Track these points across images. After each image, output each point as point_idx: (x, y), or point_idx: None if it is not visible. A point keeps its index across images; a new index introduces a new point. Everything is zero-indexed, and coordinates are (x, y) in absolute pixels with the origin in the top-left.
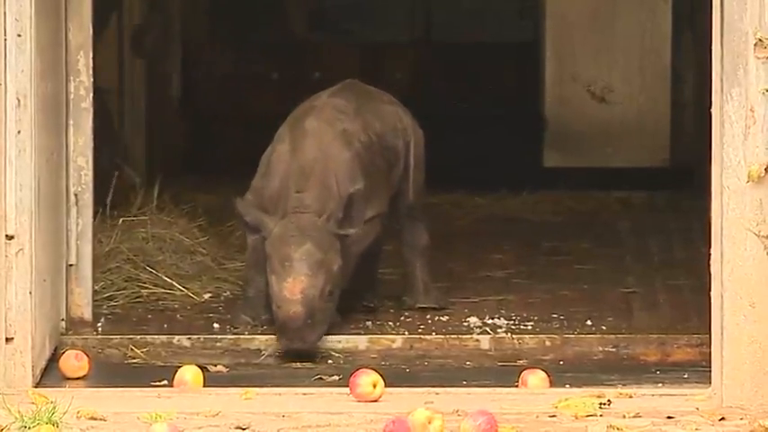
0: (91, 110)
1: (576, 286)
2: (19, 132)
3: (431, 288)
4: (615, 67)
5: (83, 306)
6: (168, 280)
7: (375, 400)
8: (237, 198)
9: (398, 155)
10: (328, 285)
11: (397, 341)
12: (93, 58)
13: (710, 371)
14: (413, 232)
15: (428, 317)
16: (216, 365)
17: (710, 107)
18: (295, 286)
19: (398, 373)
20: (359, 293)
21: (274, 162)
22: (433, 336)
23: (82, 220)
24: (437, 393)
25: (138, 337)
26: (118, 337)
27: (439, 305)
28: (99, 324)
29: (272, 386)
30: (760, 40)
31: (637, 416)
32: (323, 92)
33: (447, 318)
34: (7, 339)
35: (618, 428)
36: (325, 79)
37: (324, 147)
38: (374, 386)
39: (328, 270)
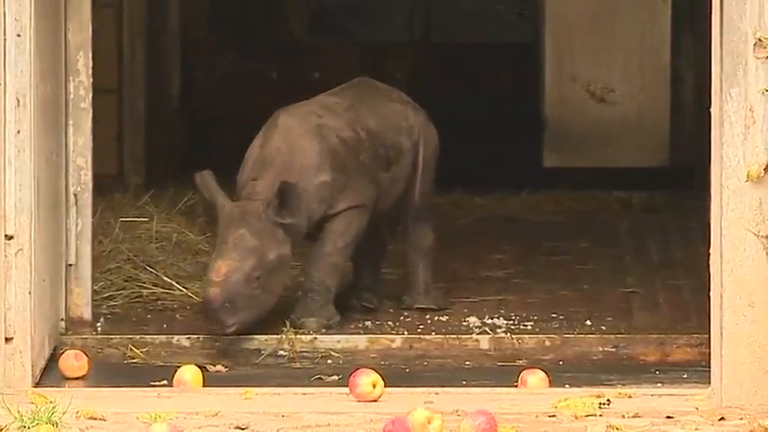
0: (90, 110)
1: (576, 286)
2: (18, 132)
3: (431, 289)
4: (615, 67)
5: (82, 306)
6: (168, 280)
7: (375, 400)
8: (199, 173)
9: (401, 153)
10: (257, 272)
11: (397, 341)
12: (93, 58)
13: (710, 371)
14: (417, 232)
15: (427, 317)
16: (215, 365)
17: (710, 107)
18: (220, 268)
19: (398, 373)
20: (359, 293)
21: (247, 154)
22: (433, 336)
23: (81, 220)
24: (437, 393)
25: (138, 336)
26: (117, 336)
27: (438, 306)
28: (98, 324)
29: (271, 386)
30: (759, 39)
31: (636, 416)
32: (332, 89)
33: (446, 318)
34: (7, 339)
35: (617, 428)
36: (323, 80)
37: (290, 140)
38: (374, 386)
39: (260, 257)
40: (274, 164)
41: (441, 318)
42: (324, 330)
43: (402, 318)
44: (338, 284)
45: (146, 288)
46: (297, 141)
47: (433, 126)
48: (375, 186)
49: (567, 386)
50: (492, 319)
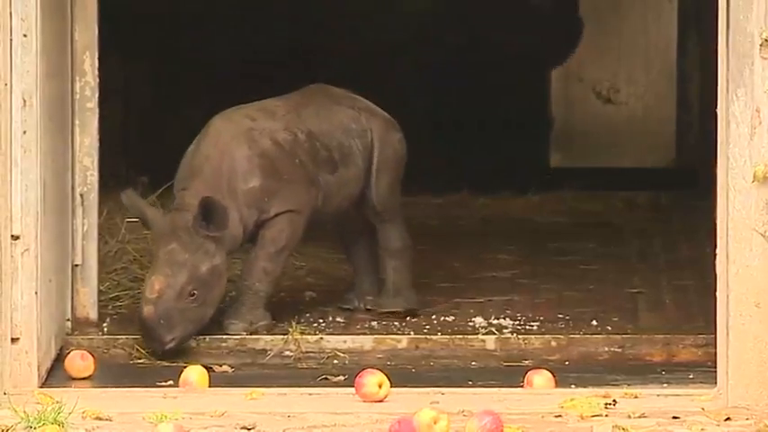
0: (97, 110)
1: (582, 286)
2: (25, 133)
3: (402, 291)
4: (621, 67)
5: (88, 306)
6: None
7: (380, 401)
8: (123, 191)
9: (350, 155)
10: (190, 286)
11: (403, 341)
12: (99, 58)
13: (716, 371)
14: (384, 235)
15: (433, 317)
16: (221, 365)
17: (716, 107)
18: (153, 285)
19: (404, 374)
20: (361, 297)
21: (182, 162)
22: (439, 336)
23: (87, 221)
24: (442, 393)
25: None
26: (123, 337)
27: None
28: (104, 324)
29: (277, 386)
30: (766, 40)
31: (642, 416)
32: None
33: (452, 318)
34: (13, 340)
35: (623, 429)
36: (325, 80)
37: (220, 145)
38: (380, 386)
39: (192, 271)
40: (202, 172)
41: (447, 318)
42: (245, 333)
43: (408, 318)
44: (270, 289)
45: None
46: (226, 147)
47: (395, 130)
48: (315, 189)
49: (573, 386)
50: (498, 319)
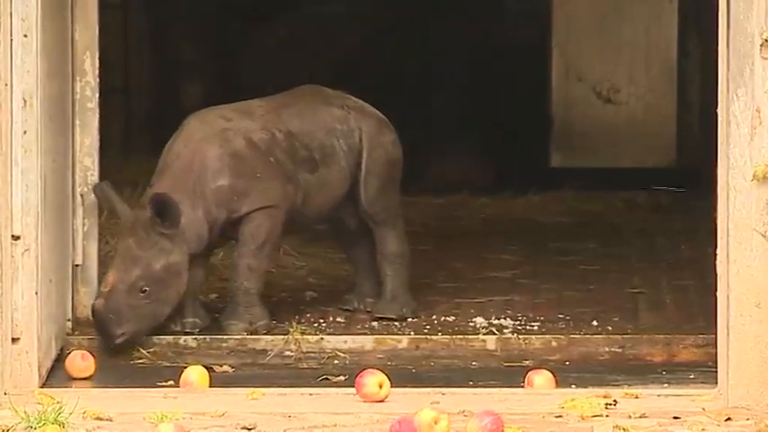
0: (97, 110)
1: (582, 287)
2: (25, 133)
3: (398, 297)
4: (621, 67)
5: (89, 306)
6: None
7: (381, 401)
8: (97, 183)
9: (332, 155)
10: (141, 282)
11: (403, 341)
12: (100, 58)
13: (717, 371)
14: (381, 239)
15: (434, 317)
16: (222, 366)
17: (717, 107)
18: (107, 279)
19: (404, 374)
20: (361, 298)
21: (160, 160)
22: (439, 336)
23: (88, 221)
24: (443, 394)
25: (144, 337)
26: None
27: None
28: None
29: (278, 386)
30: (766, 40)
31: (643, 416)
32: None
33: (453, 318)
34: (13, 339)
35: (624, 429)
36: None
37: (192, 144)
38: (380, 386)
39: (144, 268)
40: (171, 169)
41: (447, 318)
42: (246, 333)
43: (408, 318)
44: (259, 284)
45: None
46: (198, 146)
47: (388, 130)
48: (292, 186)
49: (573, 387)
50: (498, 319)
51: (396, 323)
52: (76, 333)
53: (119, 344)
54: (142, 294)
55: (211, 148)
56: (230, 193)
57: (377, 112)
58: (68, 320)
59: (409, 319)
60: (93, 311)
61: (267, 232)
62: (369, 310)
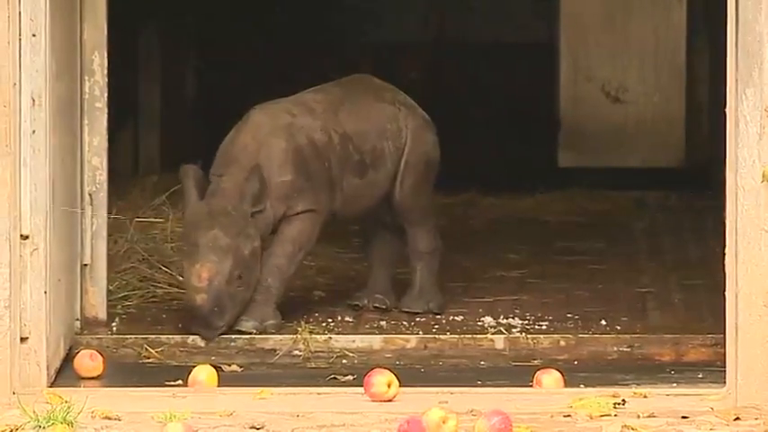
0: (105, 110)
1: (591, 286)
2: (34, 132)
3: (427, 293)
4: (630, 66)
5: (97, 306)
6: (183, 279)
7: (389, 400)
8: (188, 165)
9: (382, 157)
10: (237, 270)
11: (412, 341)
12: (108, 57)
13: (725, 371)
14: (412, 236)
15: (442, 316)
16: (230, 365)
17: (725, 107)
18: (201, 273)
19: (413, 373)
20: (372, 295)
21: (218, 151)
22: (448, 335)
23: (96, 220)
24: (452, 393)
25: (153, 336)
26: (132, 336)
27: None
28: (113, 324)
29: (286, 386)
30: None
31: (651, 416)
32: (323, 85)
33: (461, 317)
34: (22, 339)
35: (633, 428)
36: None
37: (259, 136)
38: (389, 386)
39: (237, 255)
40: (239, 160)
41: (456, 318)
42: (255, 333)
43: (417, 318)
44: (281, 287)
45: (161, 288)
46: (265, 139)
47: (431, 131)
48: (336, 193)
49: (582, 386)
50: (507, 318)
51: (404, 322)
52: (85, 332)
53: (217, 335)
54: (238, 281)
55: (278, 141)
56: (291, 189)
57: (422, 111)
58: (77, 320)
59: (417, 318)
60: (195, 307)
61: (308, 238)
62: (376, 305)
